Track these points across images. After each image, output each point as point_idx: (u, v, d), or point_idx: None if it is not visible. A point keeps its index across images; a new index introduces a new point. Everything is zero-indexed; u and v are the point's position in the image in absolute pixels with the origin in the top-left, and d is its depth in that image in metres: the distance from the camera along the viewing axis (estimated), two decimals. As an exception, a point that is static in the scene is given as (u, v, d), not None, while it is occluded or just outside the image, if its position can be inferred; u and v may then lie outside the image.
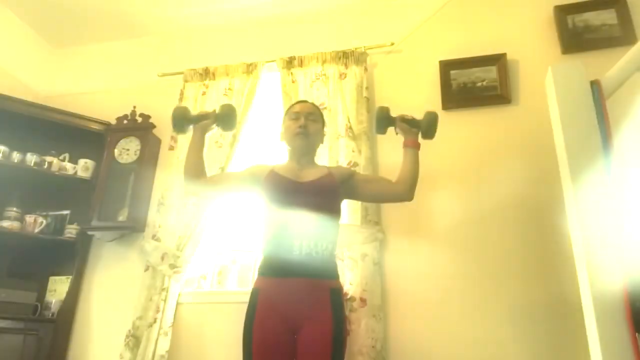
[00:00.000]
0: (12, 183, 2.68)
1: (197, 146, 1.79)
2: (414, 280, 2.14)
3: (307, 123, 1.74)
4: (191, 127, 1.84)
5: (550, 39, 2.37)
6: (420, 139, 1.78)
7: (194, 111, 2.00)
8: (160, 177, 2.66)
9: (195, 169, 1.75)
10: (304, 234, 1.58)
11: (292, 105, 1.89)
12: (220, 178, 1.90)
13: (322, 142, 1.86)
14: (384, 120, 1.81)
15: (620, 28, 2.26)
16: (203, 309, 2.35)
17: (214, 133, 2.53)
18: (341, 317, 1.55)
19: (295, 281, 1.54)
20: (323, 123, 1.87)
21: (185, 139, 2.59)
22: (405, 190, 1.73)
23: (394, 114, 1.81)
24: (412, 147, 1.76)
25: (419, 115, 1.79)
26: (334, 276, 1.65)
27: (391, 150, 2.37)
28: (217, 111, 1.85)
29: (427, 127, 1.75)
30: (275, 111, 2.58)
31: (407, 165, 1.74)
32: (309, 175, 1.71)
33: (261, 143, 2.68)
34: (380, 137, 2.39)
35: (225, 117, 1.84)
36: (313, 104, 1.90)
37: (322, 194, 1.67)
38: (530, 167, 2.17)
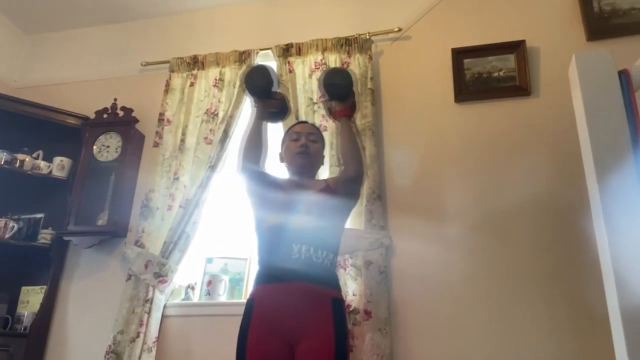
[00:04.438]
0: (-20, 183, 2.68)
1: (263, 125, 1.87)
2: (424, 290, 2.14)
3: (308, 143, 1.85)
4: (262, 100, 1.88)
5: (574, 25, 2.37)
6: (343, 105, 1.87)
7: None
8: (143, 177, 2.66)
9: (260, 149, 1.82)
10: (302, 239, 1.63)
11: (292, 126, 1.98)
12: (266, 175, 1.93)
13: (322, 164, 1.97)
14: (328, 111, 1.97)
15: (651, 12, 2.27)
16: (191, 323, 2.35)
17: (203, 128, 2.55)
18: (344, 331, 1.57)
19: (294, 285, 1.57)
20: (323, 144, 1.97)
21: (170, 134, 2.61)
22: (351, 169, 1.81)
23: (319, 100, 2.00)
24: (337, 117, 1.88)
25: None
26: (336, 286, 1.70)
27: (399, 146, 2.38)
28: (282, 100, 1.95)
29: (326, 91, 1.83)
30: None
31: (342, 140, 1.84)
32: (310, 186, 1.80)
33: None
34: (387, 132, 2.42)
35: (286, 110, 1.96)
36: (313, 125, 2.04)
37: (322, 203, 1.73)
38: (551, 165, 2.17)
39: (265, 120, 1.88)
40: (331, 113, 1.95)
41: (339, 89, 1.82)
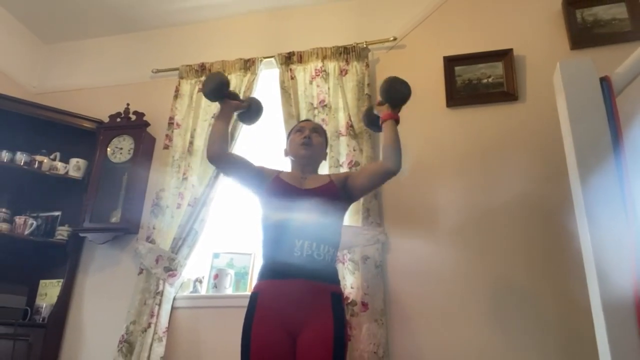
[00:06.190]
0: (1, 183, 2.68)
1: (227, 119, 1.84)
2: (417, 283, 2.14)
3: (311, 135, 1.85)
4: (220, 101, 1.84)
5: (558, 34, 2.37)
6: (393, 111, 1.78)
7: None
8: (154, 177, 2.66)
9: (222, 140, 1.77)
10: (305, 235, 1.62)
11: (297, 123, 2.02)
12: (238, 159, 1.89)
13: (324, 159, 1.94)
14: (367, 118, 1.91)
15: (630, 22, 2.26)
16: (199, 314, 2.35)
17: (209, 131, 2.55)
18: (342, 321, 1.57)
19: (295, 282, 1.57)
20: (326, 140, 1.97)
21: (180, 137, 2.61)
22: (391, 162, 1.72)
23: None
24: (386, 119, 1.77)
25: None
26: (335, 281, 1.69)
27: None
28: (250, 101, 1.92)
29: (387, 94, 1.78)
30: (274, 109, 2.57)
31: (387, 139, 1.75)
32: (312, 183, 1.77)
33: (258, 142, 2.67)
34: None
35: (257, 110, 1.91)
36: (317, 123, 2.05)
37: (325, 200, 1.71)
38: (537, 166, 2.17)
39: (229, 118, 1.85)
40: (370, 120, 1.89)
41: (401, 97, 1.78)
